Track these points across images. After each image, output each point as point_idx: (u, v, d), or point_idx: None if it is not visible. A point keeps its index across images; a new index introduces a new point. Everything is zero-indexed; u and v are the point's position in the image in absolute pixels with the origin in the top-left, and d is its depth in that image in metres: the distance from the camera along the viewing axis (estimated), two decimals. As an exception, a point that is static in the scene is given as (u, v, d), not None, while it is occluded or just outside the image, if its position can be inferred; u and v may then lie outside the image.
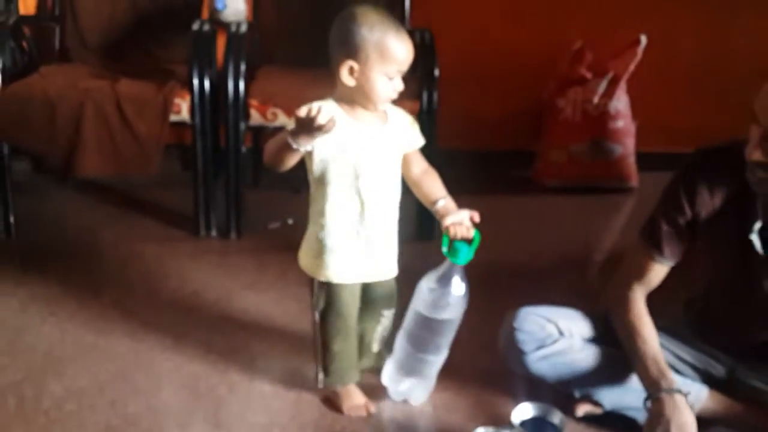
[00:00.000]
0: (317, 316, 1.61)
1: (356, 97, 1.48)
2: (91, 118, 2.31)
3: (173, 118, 2.37)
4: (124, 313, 2.03)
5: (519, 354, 1.56)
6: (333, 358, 1.64)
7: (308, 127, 1.37)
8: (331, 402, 1.67)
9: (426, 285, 1.55)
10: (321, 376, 1.67)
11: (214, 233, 2.51)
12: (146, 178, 2.53)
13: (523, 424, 1.53)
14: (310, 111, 1.35)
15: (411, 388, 1.66)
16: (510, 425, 1.52)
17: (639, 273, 1.55)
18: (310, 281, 1.61)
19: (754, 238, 1.40)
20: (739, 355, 1.54)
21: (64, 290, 2.14)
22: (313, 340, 1.66)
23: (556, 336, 1.56)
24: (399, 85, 1.48)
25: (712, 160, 1.47)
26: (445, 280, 1.52)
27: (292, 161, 1.47)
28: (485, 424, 1.57)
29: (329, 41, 1.47)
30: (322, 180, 1.52)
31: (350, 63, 1.43)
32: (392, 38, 1.42)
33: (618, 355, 1.54)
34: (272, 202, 2.84)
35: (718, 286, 1.55)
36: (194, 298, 2.13)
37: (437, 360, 1.62)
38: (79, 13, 2.77)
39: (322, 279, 1.58)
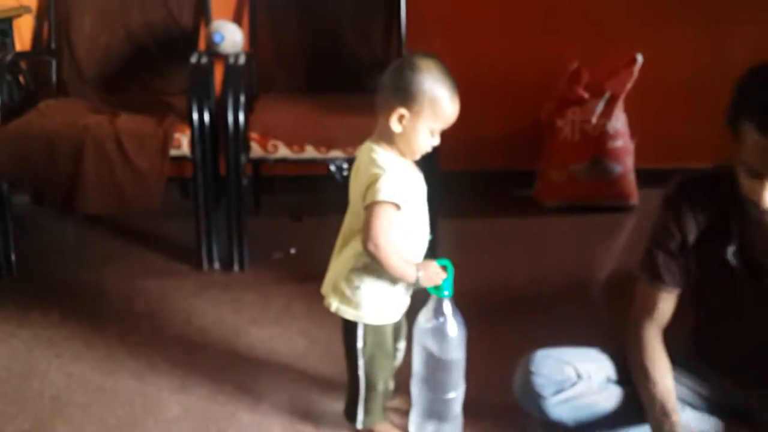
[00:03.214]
0: (366, 358, 1.60)
1: (398, 143, 1.49)
2: (91, 155, 2.29)
3: (173, 152, 2.36)
4: (131, 352, 2.02)
5: (537, 398, 1.54)
6: (377, 397, 1.64)
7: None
8: None
9: (423, 322, 1.57)
10: (361, 416, 1.66)
11: (216, 266, 2.51)
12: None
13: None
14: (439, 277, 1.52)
15: (436, 430, 1.66)
16: None
17: (648, 307, 1.54)
18: (350, 327, 1.59)
19: (730, 257, 1.44)
20: (748, 386, 1.54)
21: (69, 330, 2.13)
22: (349, 381, 1.65)
23: (575, 379, 1.54)
24: (436, 141, 1.51)
25: (693, 185, 1.51)
26: (437, 316, 1.55)
27: None
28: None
29: (383, 83, 1.48)
30: None
31: (402, 111, 1.45)
32: (447, 98, 1.45)
33: (634, 393, 1.53)
34: (274, 231, 2.84)
35: (715, 314, 1.56)
36: (200, 335, 2.12)
37: (456, 396, 1.62)
38: (76, 46, 2.76)
39: (376, 322, 1.57)
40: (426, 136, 1.48)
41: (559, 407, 1.54)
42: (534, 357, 1.55)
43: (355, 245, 1.53)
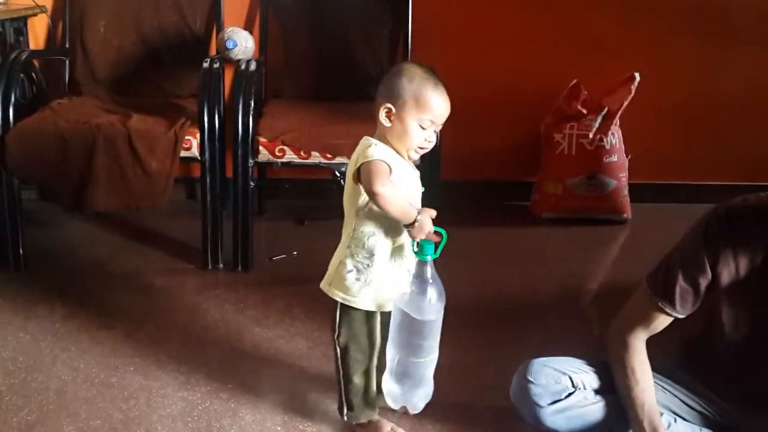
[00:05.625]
0: (340, 349, 1.65)
1: (390, 138, 1.57)
2: (103, 154, 2.35)
3: (183, 154, 2.42)
4: (136, 348, 2.07)
5: (534, 407, 1.58)
6: (355, 391, 1.68)
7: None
8: None
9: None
10: (345, 409, 1.71)
11: (221, 266, 2.57)
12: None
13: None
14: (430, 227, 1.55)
15: (407, 395, 1.65)
16: None
17: (644, 320, 1.53)
18: (333, 313, 1.64)
19: None
20: (745, 404, 1.56)
21: (76, 324, 2.18)
22: (335, 371, 1.70)
23: (571, 389, 1.57)
24: (431, 137, 1.58)
25: (738, 223, 1.42)
26: (418, 280, 1.54)
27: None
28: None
29: (377, 91, 1.60)
30: (371, 212, 1.56)
31: (388, 105, 1.55)
32: (429, 90, 1.54)
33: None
34: (276, 233, 2.90)
35: (730, 340, 1.51)
36: (204, 334, 2.18)
37: (427, 361, 1.61)
38: (89, 46, 2.82)
39: (363, 307, 1.61)
40: (416, 130, 1.55)
41: (554, 416, 1.57)
42: (531, 366, 1.59)
43: (348, 230, 1.59)
